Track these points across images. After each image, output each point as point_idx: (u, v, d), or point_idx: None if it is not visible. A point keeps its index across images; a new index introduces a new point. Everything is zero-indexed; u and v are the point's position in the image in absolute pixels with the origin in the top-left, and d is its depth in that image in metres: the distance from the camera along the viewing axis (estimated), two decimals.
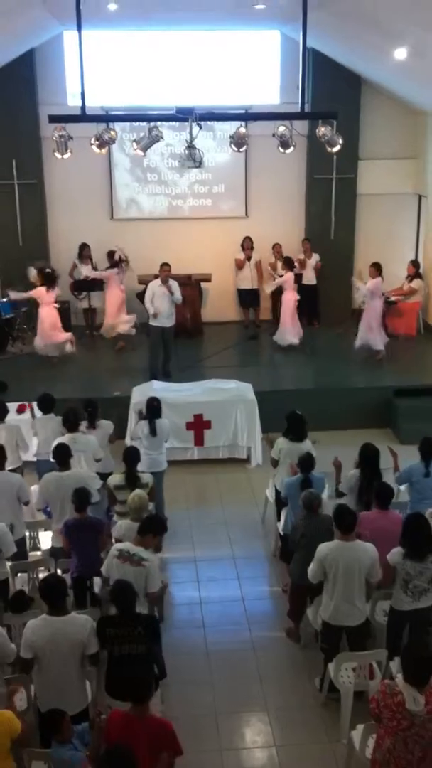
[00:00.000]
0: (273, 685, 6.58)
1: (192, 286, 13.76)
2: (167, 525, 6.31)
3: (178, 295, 11.91)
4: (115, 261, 13.10)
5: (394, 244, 14.82)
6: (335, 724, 5.99)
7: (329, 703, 6.20)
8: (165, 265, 11.89)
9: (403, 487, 7.78)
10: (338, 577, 6.00)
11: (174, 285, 11.88)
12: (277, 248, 14.11)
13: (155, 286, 11.91)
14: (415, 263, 13.97)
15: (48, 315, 12.34)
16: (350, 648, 6.15)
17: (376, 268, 12.35)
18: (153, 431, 8.52)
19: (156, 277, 12.01)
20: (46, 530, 7.83)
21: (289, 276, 13.05)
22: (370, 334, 12.44)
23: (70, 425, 8.15)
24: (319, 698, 6.34)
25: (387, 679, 5.16)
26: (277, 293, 13.54)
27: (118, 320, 13.06)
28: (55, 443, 7.83)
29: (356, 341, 12.57)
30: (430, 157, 13.86)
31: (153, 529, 6.11)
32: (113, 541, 7.14)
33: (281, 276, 13.23)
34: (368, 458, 7.43)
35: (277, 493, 8.30)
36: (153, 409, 8.61)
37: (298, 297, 13.08)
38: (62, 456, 7.41)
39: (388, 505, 6.80)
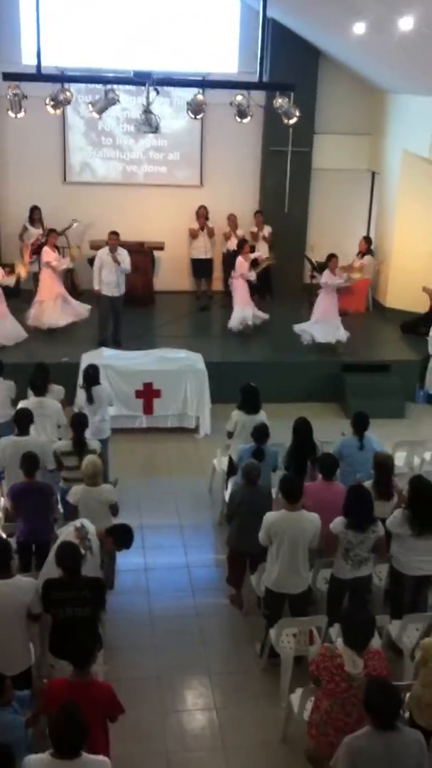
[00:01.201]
0: (215, 650, 6.70)
1: (144, 254, 13.64)
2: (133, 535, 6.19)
3: (125, 265, 11.72)
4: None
5: (347, 219, 14.92)
6: (275, 688, 6.12)
7: (269, 669, 6.34)
8: (113, 234, 11.72)
9: None
10: (283, 546, 6.09)
11: (123, 254, 11.70)
12: (231, 219, 14.06)
13: (104, 254, 11.74)
14: (367, 239, 14.09)
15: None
16: (292, 614, 6.29)
17: (338, 261, 11.87)
18: (90, 399, 8.46)
19: (107, 243, 11.88)
20: None
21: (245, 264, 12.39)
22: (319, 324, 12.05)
23: (38, 388, 7.97)
24: (259, 663, 6.47)
25: (327, 643, 5.30)
26: (230, 264, 13.38)
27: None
28: (20, 406, 7.67)
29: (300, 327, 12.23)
30: (384, 134, 13.94)
31: (117, 538, 6.03)
32: (60, 508, 7.16)
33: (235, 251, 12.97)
34: (297, 431, 7.67)
35: (229, 463, 8.36)
36: (89, 376, 8.56)
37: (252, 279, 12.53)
38: (23, 421, 7.26)
39: (333, 477, 6.93)
